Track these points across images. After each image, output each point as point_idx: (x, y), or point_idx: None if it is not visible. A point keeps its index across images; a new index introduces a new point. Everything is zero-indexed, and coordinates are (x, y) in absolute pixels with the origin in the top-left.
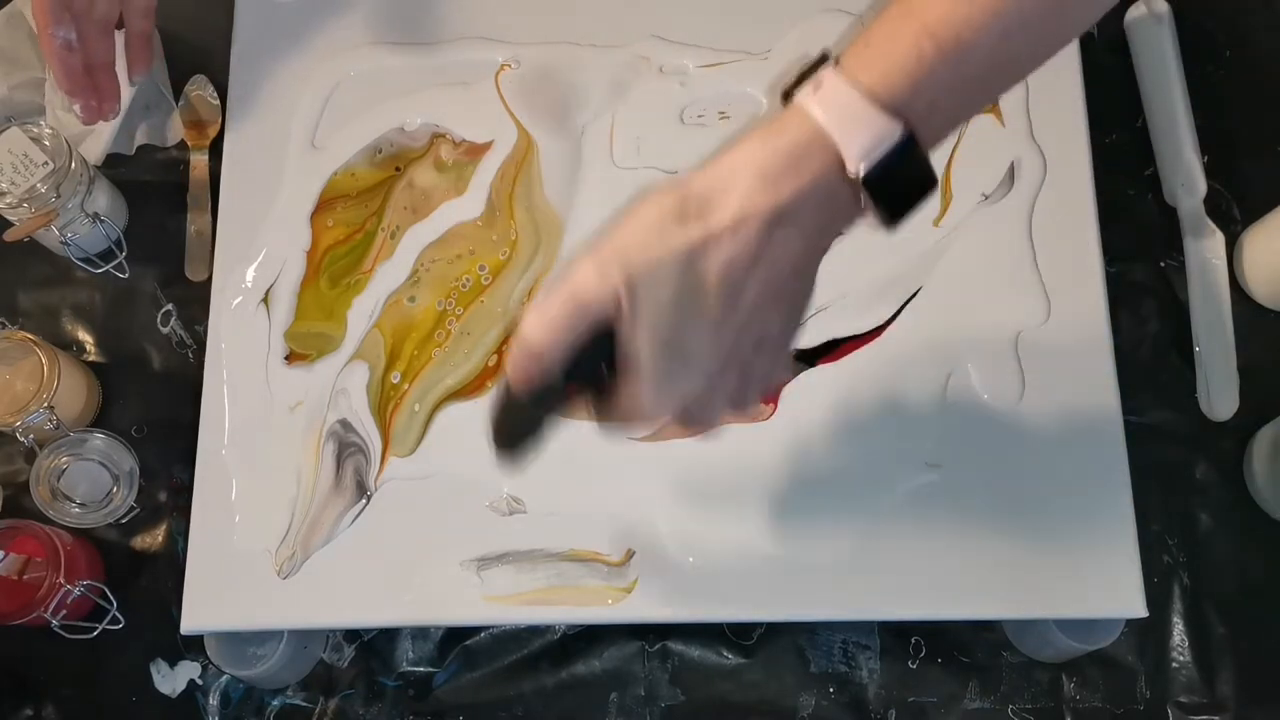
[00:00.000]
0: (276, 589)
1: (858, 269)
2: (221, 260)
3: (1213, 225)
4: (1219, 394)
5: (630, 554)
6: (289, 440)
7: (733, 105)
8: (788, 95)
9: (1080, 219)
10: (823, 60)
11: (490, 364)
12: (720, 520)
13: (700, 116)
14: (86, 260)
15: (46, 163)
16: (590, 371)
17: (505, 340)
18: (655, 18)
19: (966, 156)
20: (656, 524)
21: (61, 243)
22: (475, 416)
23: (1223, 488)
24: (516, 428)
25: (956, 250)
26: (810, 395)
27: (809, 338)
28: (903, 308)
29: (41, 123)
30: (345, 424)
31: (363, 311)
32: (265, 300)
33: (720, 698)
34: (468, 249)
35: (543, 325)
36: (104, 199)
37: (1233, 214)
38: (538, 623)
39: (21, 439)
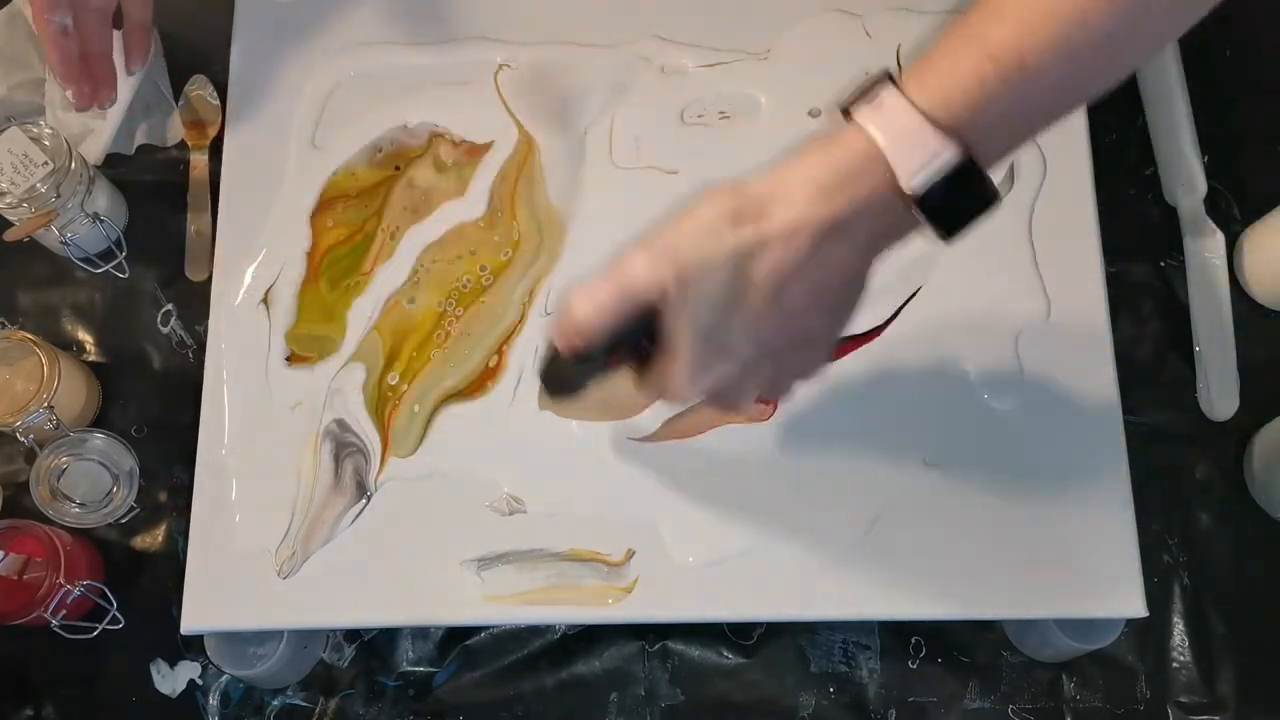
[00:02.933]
0: (277, 589)
1: None
2: (222, 260)
3: (1213, 225)
4: (1219, 394)
5: (630, 554)
6: (289, 440)
7: (733, 105)
8: (846, 112)
9: (1080, 219)
10: (883, 78)
11: (491, 365)
12: (720, 520)
13: (700, 116)
14: (86, 260)
15: (46, 163)
16: (633, 344)
17: (506, 340)
18: (655, 18)
19: None
20: (657, 524)
21: (61, 243)
22: (476, 417)
23: (1223, 488)
24: (561, 378)
25: (956, 250)
26: (810, 395)
27: None
28: (902, 307)
29: (41, 123)
30: (342, 424)
31: (362, 313)
32: (265, 300)
33: (720, 698)
34: (468, 249)
35: (591, 306)
36: (104, 199)
37: (1233, 214)
38: (538, 622)
39: (21, 439)
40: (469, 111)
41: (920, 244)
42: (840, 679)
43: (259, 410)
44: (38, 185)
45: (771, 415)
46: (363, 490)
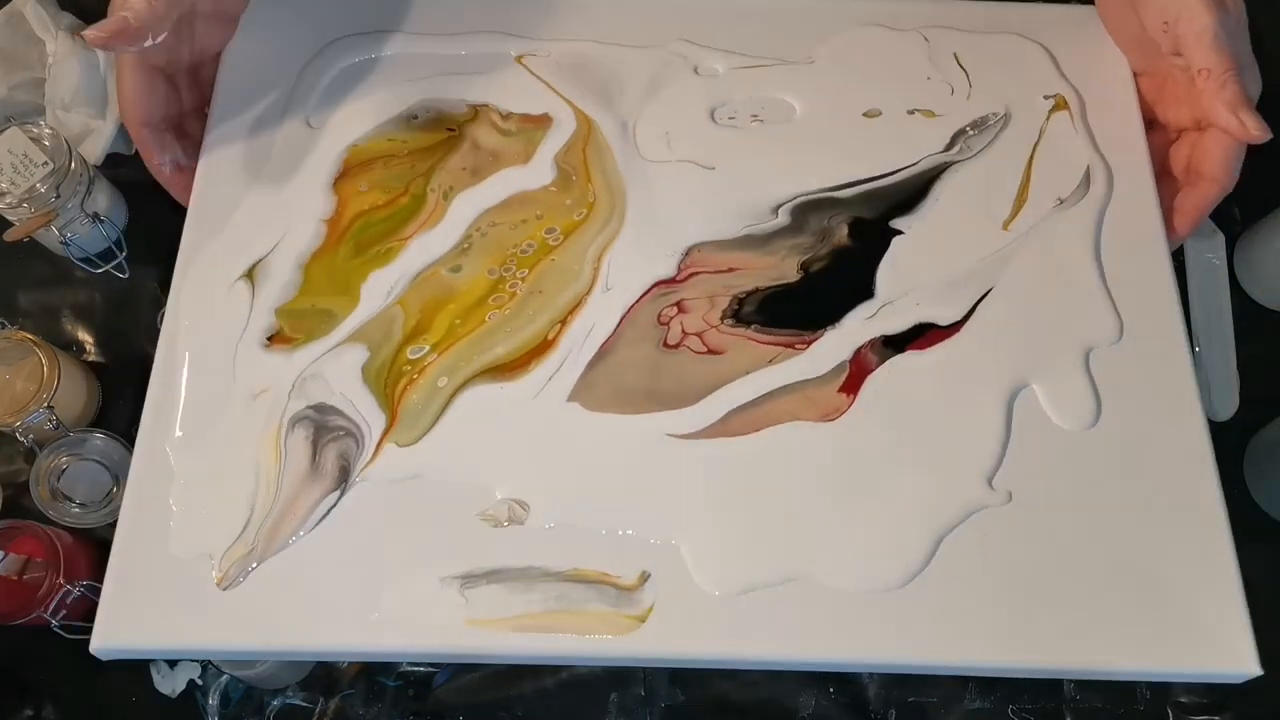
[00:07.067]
0: (215, 604)
1: (940, 261)
2: (193, 233)
3: (1213, 225)
4: (1219, 394)
5: (645, 577)
6: (246, 433)
7: (766, 109)
8: None
9: (1149, 234)
10: None
11: (550, 336)
12: (754, 542)
13: (732, 119)
14: (86, 260)
15: (46, 163)
16: None
17: (575, 307)
18: (685, 25)
19: (1048, 155)
20: (678, 543)
21: (61, 243)
22: (499, 403)
23: (1223, 488)
24: None
25: (1024, 258)
26: (865, 411)
27: (898, 322)
28: (977, 305)
29: (41, 123)
30: (323, 408)
31: (380, 288)
32: (250, 275)
33: (720, 698)
34: (534, 213)
35: None
36: (104, 199)
37: (1233, 214)
38: (530, 657)
39: (21, 439)
40: (509, 90)
41: (987, 247)
42: (840, 679)
43: (216, 398)
44: (38, 185)
45: (846, 409)
46: (345, 476)
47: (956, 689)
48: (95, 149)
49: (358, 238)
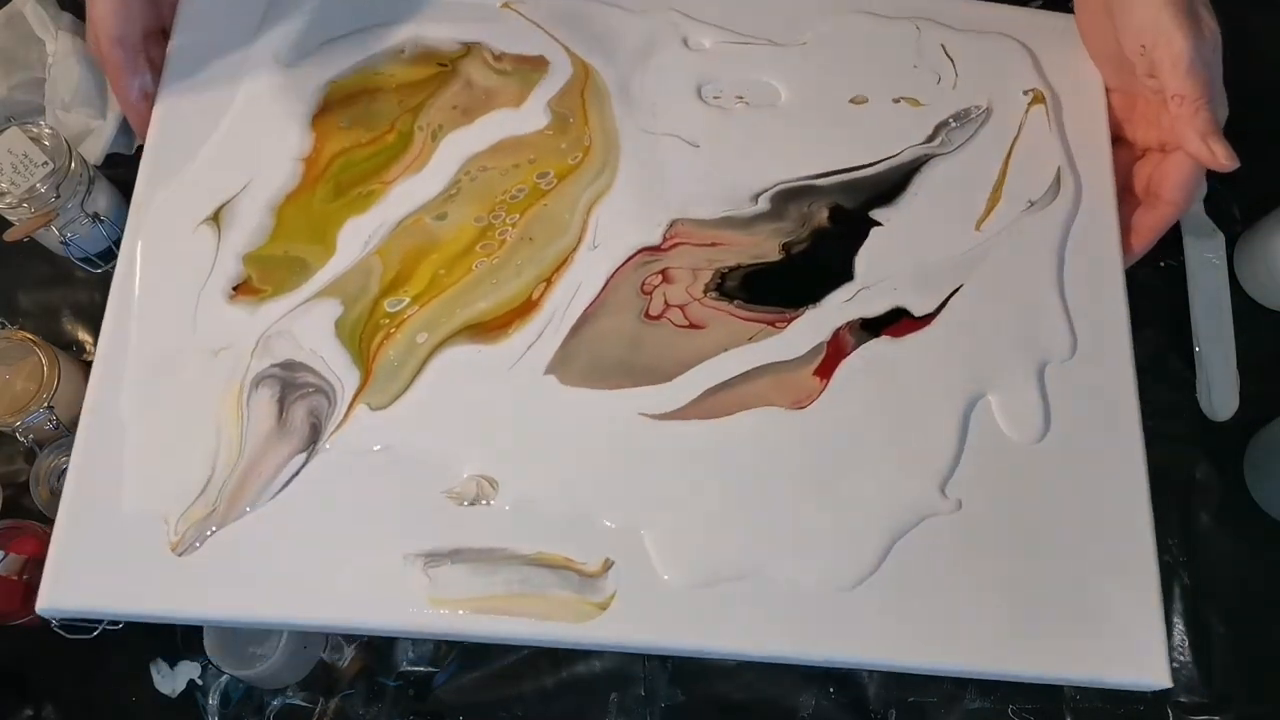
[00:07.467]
0: (168, 568)
1: (915, 254)
2: (150, 173)
3: (1213, 225)
4: (1219, 394)
5: (608, 564)
6: (206, 390)
7: (751, 91)
8: None
9: (1107, 251)
10: None
11: (535, 295)
12: (717, 535)
13: (717, 98)
14: (86, 260)
15: (46, 163)
16: None
17: (564, 262)
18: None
19: (1024, 153)
20: (642, 532)
21: (61, 243)
22: (476, 368)
23: (1223, 488)
24: None
25: (993, 261)
26: (834, 402)
27: (875, 306)
28: (948, 299)
29: (41, 123)
30: (291, 365)
31: (357, 236)
32: (215, 218)
33: (720, 698)
34: (527, 158)
35: None
36: (104, 199)
37: (1233, 214)
38: (491, 637)
39: (21, 439)
40: (502, 31)
41: (966, 241)
42: (840, 679)
43: (174, 352)
44: (38, 185)
45: (818, 395)
46: (315, 435)
47: (956, 689)
48: (95, 149)
49: (337, 178)
